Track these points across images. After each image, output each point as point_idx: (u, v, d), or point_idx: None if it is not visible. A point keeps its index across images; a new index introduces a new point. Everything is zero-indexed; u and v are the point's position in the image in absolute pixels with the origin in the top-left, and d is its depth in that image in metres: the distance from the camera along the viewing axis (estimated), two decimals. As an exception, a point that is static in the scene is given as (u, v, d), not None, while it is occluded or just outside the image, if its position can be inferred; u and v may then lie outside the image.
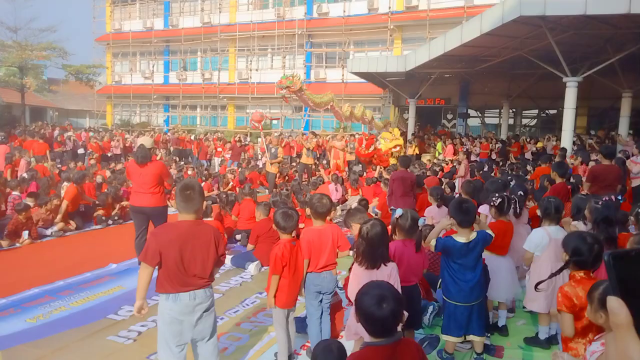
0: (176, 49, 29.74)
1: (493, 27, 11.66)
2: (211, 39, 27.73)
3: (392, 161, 14.13)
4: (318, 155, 16.48)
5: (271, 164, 12.26)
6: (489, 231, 3.58)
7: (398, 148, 14.61)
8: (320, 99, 13.00)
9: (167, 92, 30.06)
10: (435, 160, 14.75)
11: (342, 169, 13.97)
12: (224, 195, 8.65)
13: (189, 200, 2.93)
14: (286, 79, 11.66)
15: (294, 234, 3.73)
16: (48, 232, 7.70)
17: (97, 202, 8.90)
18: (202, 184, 11.62)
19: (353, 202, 10.17)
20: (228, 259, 6.16)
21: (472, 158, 15.06)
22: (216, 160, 16.95)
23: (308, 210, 4.64)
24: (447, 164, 13.22)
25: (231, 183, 11.87)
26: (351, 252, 3.55)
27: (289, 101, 15.67)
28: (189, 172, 12.82)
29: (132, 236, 7.84)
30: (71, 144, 16.73)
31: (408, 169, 7.55)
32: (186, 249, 2.86)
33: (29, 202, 7.73)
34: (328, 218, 3.92)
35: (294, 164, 15.50)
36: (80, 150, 16.81)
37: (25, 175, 10.33)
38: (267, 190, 12.02)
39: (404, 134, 19.76)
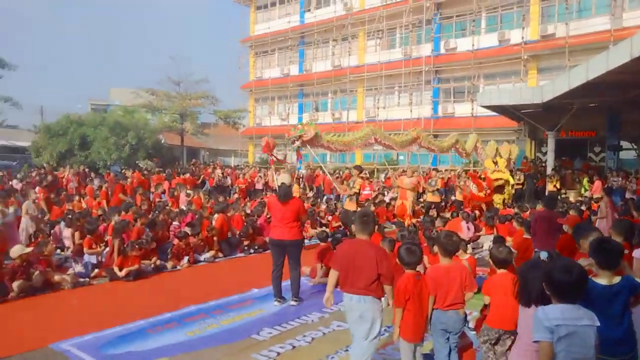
0: (309, 91, 31.94)
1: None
2: (341, 80, 29.28)
3: (497, 199, 12.67)
4: (444, 192, 16.08)
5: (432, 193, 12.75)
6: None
7: (501, 182, 12.82)
8: (347, 137, 13.12)
9: (360, 129, 32.22)
10: (580, 198, 13.42)
11: (408, 212, 12.09)
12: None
13: (365, 224, 3.93)
14: (295, 129, 11.20)
15: (418, 268, 3.85)
16: (201, 257, 8.81)
17: (240, 233, 9.93)
18: (330, 217, 12.22)
19: (486, 241, 9.77)
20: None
21: (628, 195, 13.39)
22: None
23: (435, 248, 4.70)
24: (595, 202, 11.95)
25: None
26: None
27: (301, 155, 14.42)
28: (322, 207, 13.51)
29: (267, 263, 8.60)
30: (221, 180, 18.87)
31: (552, 209, 7.18)
32: (356, 260, 3.73)
33: (188, 230, 8.97)
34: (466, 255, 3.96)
35: (420, 199, 15.35)
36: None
37: (183, 207, 11.96)
38: (393, 226, 12.11)
39: (539, 167, 18.37)
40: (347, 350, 4.62)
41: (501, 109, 18.75)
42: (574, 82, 13.48)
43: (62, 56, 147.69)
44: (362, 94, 29.49)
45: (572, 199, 13.14)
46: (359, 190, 13.26)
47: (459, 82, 25.64)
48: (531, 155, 21.58)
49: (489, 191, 12.80)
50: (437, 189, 13.45)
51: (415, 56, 26.45)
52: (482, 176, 13.92)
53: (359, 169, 13.03)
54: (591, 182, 15.34)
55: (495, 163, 13.50)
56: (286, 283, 6.29)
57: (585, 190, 15.44)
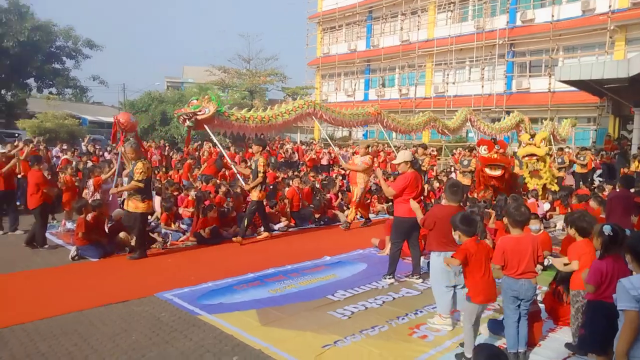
0: (376, 67, 31.73)
1: None
2: (409, 55, 28.80)
3: (530, 180, 10.40)
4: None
5: (463, 174, 12.03)
6: None
7: (535, 160, 10.41)
8: (410, 120, 12.26)
9: (420, 113, 32.25)
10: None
11: (355, 198, 9.60)
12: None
13: (455, 193, 4.64)
14: (189, 104, 9.24)
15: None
16: (276, 227, 9.42)
17: (311, 206, 10.45)
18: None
19: (559, 220, 9.57)
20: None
21: None
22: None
23: (505, 220, 4.85)
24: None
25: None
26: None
27: (190, 138, 11.71)
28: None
29: (343, 235, 9.04)
30: (289, 154, 19.53)
31: (631, 189, 6.93)
32: (446, 223, 4.21)
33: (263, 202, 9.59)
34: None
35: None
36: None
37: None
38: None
39: (624, 146, 17.22)
40: (416, 313, 4.96)
41: (582, 84, 17.73)
42: (667, 54, 12.49)
43: (139, 36, 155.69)
44: (431, 69, 28.87)
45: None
46: (427, 167, 13.19)
47: (536, 56, 24.38)
48: (614, 133, 20.26)
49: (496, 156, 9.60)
50: (471, 170, 11.64)
51: (488, 29, 25.42)
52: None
53: (424, 146, 12.52)
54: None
55: (530, 135, 11.30)
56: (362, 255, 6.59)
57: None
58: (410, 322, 4.72)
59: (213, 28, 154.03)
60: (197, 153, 16.82)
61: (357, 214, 9.94)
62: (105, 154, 17.34)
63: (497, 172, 8.85)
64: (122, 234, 7.47)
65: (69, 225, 8.81)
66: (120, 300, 5.15)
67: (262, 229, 8.91)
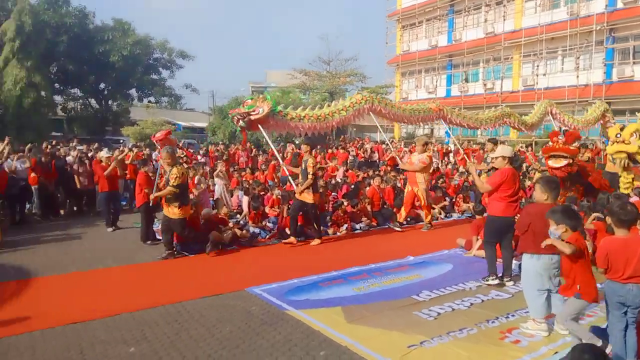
0: (458, 62, 30.62)
1: None
2: (494, 48, 27.44)
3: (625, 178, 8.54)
4: None
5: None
6: None
7: (624, 156, 8.64)
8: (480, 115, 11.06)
9: (448, 105, 31.22)
10: None
11: (423, 201, 9.33)
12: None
13: (552, 190, 4.43)
14: (244, 104, 8.77)
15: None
16: (357, 226, 9.47)
17: (393, 204, 10.36)
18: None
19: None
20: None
21: None
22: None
23: (608, 220, 4.48)
24: None
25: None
26: None
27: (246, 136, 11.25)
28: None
29: (427, 234, 8.87)
30: (368, 154, 19.51)
31: None
32: (542, 221, 3.98)
33: (344, 201, 9.69)
34: None
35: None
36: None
37: (338, 179, 12.82)
38: None
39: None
40: (507, 316, 4.74)
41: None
42: None
43: (225, 44, 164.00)
44: (519, 61, 27.25)
45: None
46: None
47: (642, 40, 22.07)
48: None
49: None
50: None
51: (584, 14, 23.45)
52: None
53: (494, 141, 10.96)
54: None
55: (619, 130, 9.82)
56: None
57: None
58: (501, 326, 4.52)
59: (294, 32, 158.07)
60: (281, 154, 17.37)
61: (407, 216, 9.65)
62: (199, 156, 18.50)
63: (560, 164, 7.86)
64: (214, 232, 7.95)
65: (168, 223, 9.53)
66: (214, 294, 5.50)
67: (344, 227, 9.01)
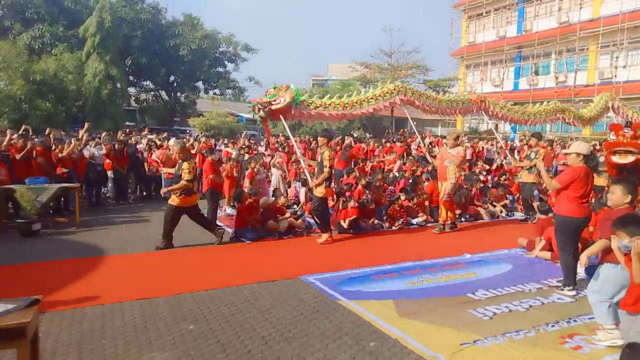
0: (528, 54, 29.16)
1: None
2: (568, 38, 25.86)
3: None
4: None
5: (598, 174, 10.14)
6: None
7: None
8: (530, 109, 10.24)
9: (515, 99, 29.80)
10: None
11: (443, 196, 8.52)
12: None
13: (632, 192, 4.15)
14: (266, 94, 8.36)
15: None
16: (414, 221, 9.35)
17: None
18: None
19: None
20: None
21: None
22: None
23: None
24: None
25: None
26: None
27: (267, 127, 10.43)
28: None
29: (486, 232, 8.62)
30: (429, 149, 19.11)
31: None
32: None
33: (401, 195, 9.59)
34: None
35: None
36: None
37: (396, 174, 12.69)
38: None
39: None
40: (569, 321, 4.52)
41: None
42: None
43: (288, 37, 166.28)
44: (595, 53, 25.51)
45: None
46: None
47: None
48: None
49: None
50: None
51: (674, 0, 21.51)
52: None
53: (538, 136, 10.06)
54: None
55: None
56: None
57: None
58: (562, 331, 4.32)
59: (358, 24, 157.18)
60: (337, 147, 17.43)
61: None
62: (260, 148, 18.99)
63: (627, 160, 7.07)
64: (270, 221, 8.17)
65: (229, 210, 9.94)
66: (269, 280, 5.67)
67: (399, 221, 8.93)
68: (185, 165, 7.15)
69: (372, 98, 10.04)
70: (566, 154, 6.11)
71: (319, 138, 8.49)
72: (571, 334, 4.25)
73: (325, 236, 7.74)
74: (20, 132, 10.53)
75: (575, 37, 25.40)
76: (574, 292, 5.29)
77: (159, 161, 11.47)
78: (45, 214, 8.75)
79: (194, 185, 7.37)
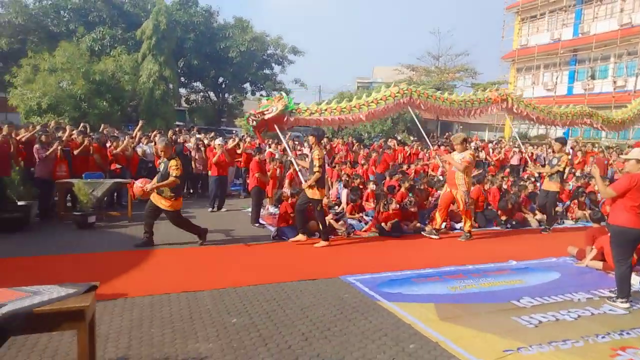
0: (584, 57, 27.87)
1: None
2: (630, 41, 24.52)
3: None
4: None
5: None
6: None
7: None
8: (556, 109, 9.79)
9: (569, 103, 28.62)
10: None
11: (463, 206, 8.23)
12: None
13: None
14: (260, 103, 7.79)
15: None
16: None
17: (498, 206, 9.85)
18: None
19: None
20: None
21: None
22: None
23: None
24: None
25: None
26: None
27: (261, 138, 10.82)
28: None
29: (533, 240, 8.37)
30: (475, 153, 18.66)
31: None
32: None
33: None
34: None
35: None
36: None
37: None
38: None
39: None
40: (621, 333, 4.32)
41: None
42: None
43: (334, 39, 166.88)
44: (660, 56, 24.05)
45: None
46: (564, 167, 9.39)
47: None
48: None
49: None
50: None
51: None
52: None
53: (562, 141, 9.42)
54: None
55: None
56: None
57: None
58: (613, 343, 4.13)
59: (405, 27, 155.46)
60: (380, 149, 17.35)
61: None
62: (303, 148, 19.20)
63: None
64: (311, 222, 8.24)
65: (271, 209, 10.11)
66: (310, 278, 5.74)
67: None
68: (172, 162, 7.06)
69: (372, 102, 9.80)
70: (625, 160, 5.82)
71: (309, 137, 8.32)
72: (623, 346, 4.06)
73: (324, 243, 7.50)
74: (79, 129, 11.16)
75: (638, 40, 24.05)
76: (627, 305, 5.03)
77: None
78: (99, 208, 9.22)
79: (182, 184, 7.20)
